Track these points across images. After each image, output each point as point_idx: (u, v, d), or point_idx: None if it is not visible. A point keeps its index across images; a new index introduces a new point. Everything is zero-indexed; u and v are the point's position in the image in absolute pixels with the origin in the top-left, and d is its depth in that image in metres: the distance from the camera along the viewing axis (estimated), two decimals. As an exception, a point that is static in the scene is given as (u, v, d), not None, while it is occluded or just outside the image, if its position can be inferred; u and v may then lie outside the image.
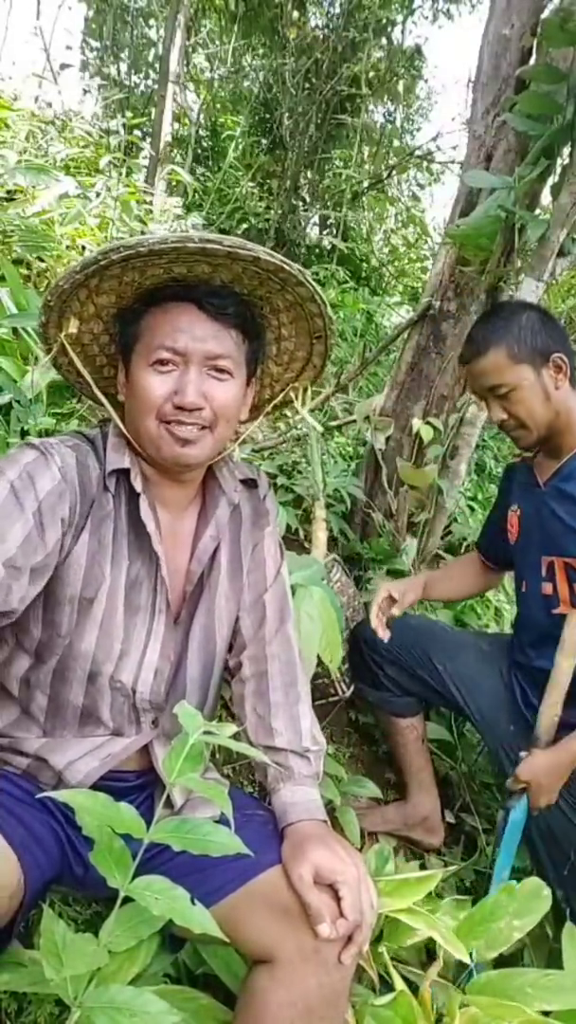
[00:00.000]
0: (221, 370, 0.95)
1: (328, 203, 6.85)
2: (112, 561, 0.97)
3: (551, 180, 2.13)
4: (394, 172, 7.29)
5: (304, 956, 0.86)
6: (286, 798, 1.02)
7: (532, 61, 2.24)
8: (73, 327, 0.96)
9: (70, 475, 0.92)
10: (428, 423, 2.33)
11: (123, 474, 0.99)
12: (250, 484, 1.15)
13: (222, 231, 5.71)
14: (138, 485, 0.98)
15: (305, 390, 1.17)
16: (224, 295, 0.94)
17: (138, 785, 1.06)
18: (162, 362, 0.92)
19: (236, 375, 0.97)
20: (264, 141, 6.80)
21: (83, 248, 2.78)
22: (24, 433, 1.51)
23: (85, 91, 7.04)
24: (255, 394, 1.10)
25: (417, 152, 7.29)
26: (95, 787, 0.89)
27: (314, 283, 0.98)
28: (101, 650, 0.96)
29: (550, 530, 1.51)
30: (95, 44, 7.31)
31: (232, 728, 0.77)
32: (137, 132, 4.55)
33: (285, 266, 0.91)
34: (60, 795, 0.73)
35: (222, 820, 0.98)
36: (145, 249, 0.85)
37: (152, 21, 7.38)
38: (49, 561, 0.91)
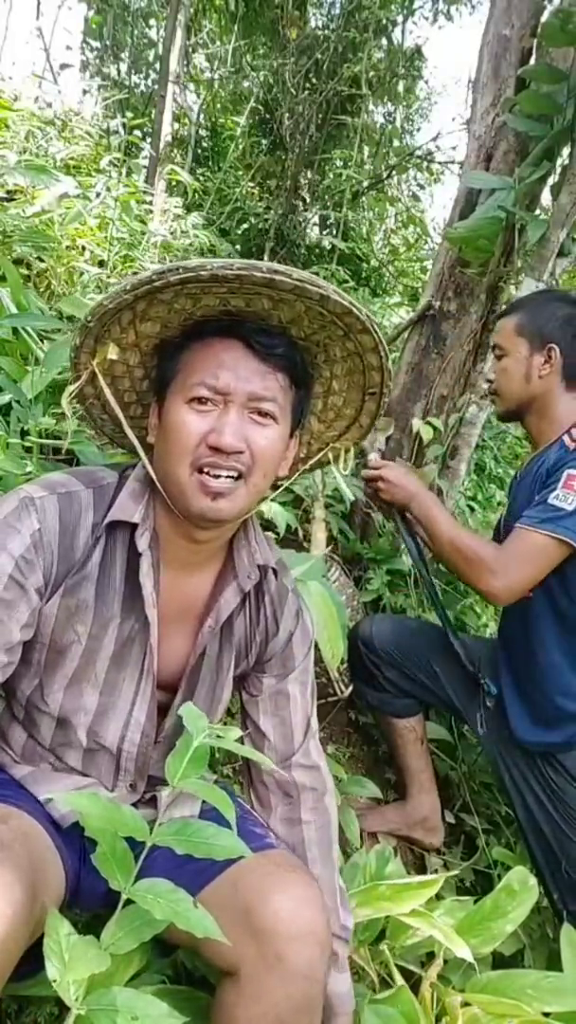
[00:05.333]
0: (264, 414, 0.86)
1: (328, 203, 6.85)
2: (93, 622, 0.91)
3: (551, 180, 2.13)
4: (394, 172, 7.28)
5: (268, 966, 0.81)
6: (330, 986, 0.99)
7: (532, 61, 2.24)
8: (113, 353, 0.85)
9: (46, 538, 0.86)
10: (428, 423, 2.33)
11: (128, 526, 0.91)
12: (274, 574, 1.05)
13: (222, 231, 5.71)
14: (142, 543, 0.90)
15: (347, 451, 1.07)
16: (274, 334, 0.86)
17: None
18: (201, 400, 0.84)
19: (280, 421, 0.88)
20: (264, 141, 6.79)
21: (83, 248, 2.77)
22: (24, 433, 1.51)
23: (85, 91, 7.04)
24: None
25: (417, 152, 7.29)
26: None
27: (380, 332, 0.88)
28: (70, 699, 0.93)
29: (515, 514, 1.59)
30: (95, 44, 7.30)
31: (236, 731, 0.76)
32: (137, 132, 4.55)
33: (353, 309, 0.83)
34: (60, 796, 0.73)
35: (202, 816, 0.98)
36: (207, 273, 0.76)
37: (152, 21, 7.38)
38: (24, 636, 0.88)
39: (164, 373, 0.89)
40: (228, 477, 0.85)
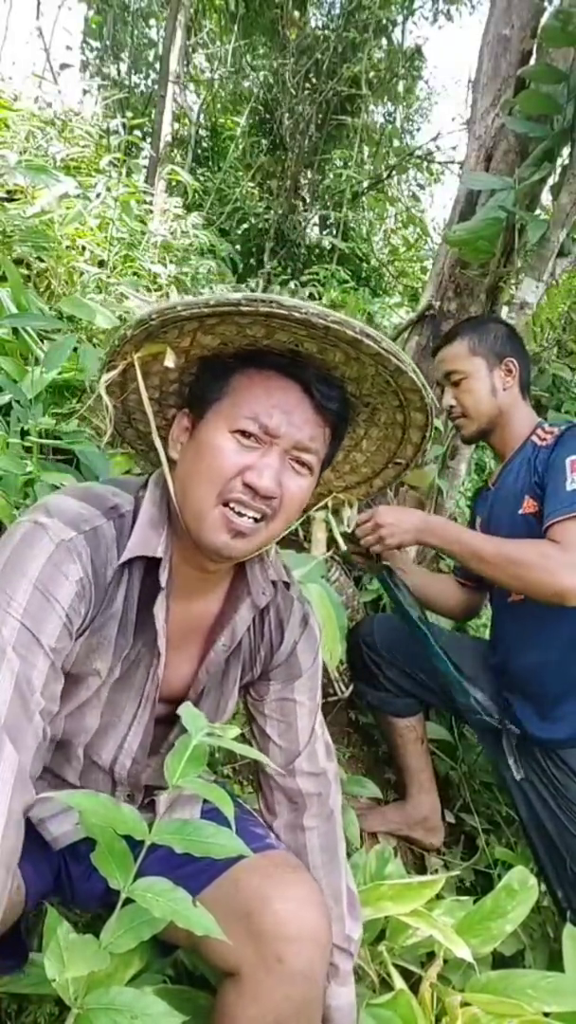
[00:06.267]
0: (303, 463, 0.84)
1: (328, 203, 6.85)
2: (113, 656, 0.88)
3: (551, 180, 2.13)
4: (394, 172, 7.29)
5: (268, 968, 0.82)
6: (331, 1000, 1.00)
7: (532, 62, 2.24)
8: (170, 360, 0.81)
9: (86, 584, 0.81)
10: (428, 423, 2.33)
11: (147, 559, 0.87)
12: (283, 586, 1.03)
13: (222, 231, 5.71)
14: (164, 578, 0.86)
15: (350, 505, 1.07)
16: (333, 385, 0.85)
17: None
18: (246, 434, 0.80)
19: (313, 473, 0.86)
20: (264, 141, 6.80)
21: (83, 248, 2.77)
22: (24, 433, 1.50)
23: (85, 91, 7.05)
24: None
25: (417, 152, 7.29)
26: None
27: (434, 414, 0.88)
28: (73, 723, 0.91)
29: (501, 522, 1.63)
30: (95, 44, 7.32)
31: (234, 730, 0.76)
32: (137, 132, 4.55)
33: (422, 390, 0.83)
34: (60, 795, 0.73)
35: (202, 818, 0.98)
36: (300, 316, 0.74)
37: (152, 21, 7.39)
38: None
39: (207, 389, 0.85)
40: (252, 518, 0.82)
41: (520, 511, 1.55)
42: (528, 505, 1.54)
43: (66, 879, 0.98)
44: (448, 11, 6.85)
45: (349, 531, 1.37)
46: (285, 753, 1.06)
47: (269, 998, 0.82)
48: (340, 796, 1.13)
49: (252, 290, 5.50)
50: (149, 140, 5.31)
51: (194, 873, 0.89)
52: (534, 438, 1.61)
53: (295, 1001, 0.83)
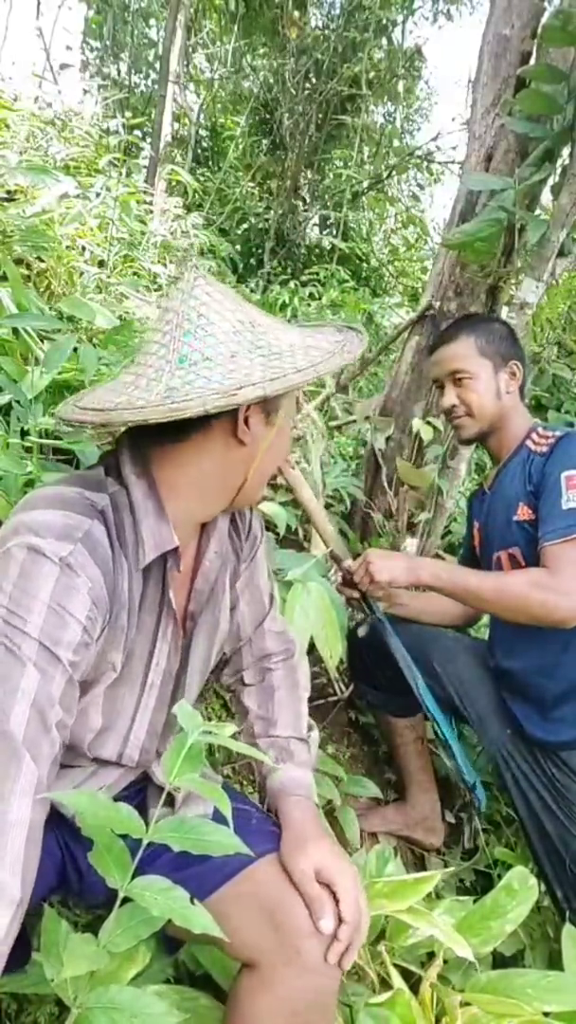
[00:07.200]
0: None
1: (328, 203, 6.86)
2: (124, 645, 0.88)
3: (551, 180, 2.13)
4: (394, 172, 7.29)
5: (287, 959, 0.85)
6: (287, 773, 1.05)
7: (532, 62, 2.24)
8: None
9: (95, 592, 0.81)
10: (428, 423, 2.33)
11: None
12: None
13: (222, 231, 5.71)
14: (182, 565, 0.91)
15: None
16: None
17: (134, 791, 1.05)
18: None
19: None
20: (264, 141, 6.81)
21: (83, 248, 2.77)
22: (24, 433, 1.50)
23: (85, 91, 7.05)
24: None
25: (417, 152, 7.29)
26: None
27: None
28: (77, 725, 0.88)
29: (496, 527, 1.62)
30: (95, 44, 7.33)
31: (232, 728, 0.76)
32: (137, 132, 4.56)
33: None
34: (59, 796, 0.73)
35: (215, 816, 0.98)
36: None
37: (152, 21, 7.40)
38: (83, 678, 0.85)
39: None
40: None
41: (515, 517, 1.55)
42: (523, 512, 1.54)
43: (73, 872, 0.97)
44: (448, 11, 6.86)
45: (349, 569, 1.47)
46: (254, 617, 1.15)
47: (285, 989, 0.84)
48: (305, 661, 1.23)
49: (252, 291, 5.50)
50: (149, 140, 5.32)
51: (217, 866, 0.91)
52: (529, 442, 1.60)
53: (313, 993, 0.85)
